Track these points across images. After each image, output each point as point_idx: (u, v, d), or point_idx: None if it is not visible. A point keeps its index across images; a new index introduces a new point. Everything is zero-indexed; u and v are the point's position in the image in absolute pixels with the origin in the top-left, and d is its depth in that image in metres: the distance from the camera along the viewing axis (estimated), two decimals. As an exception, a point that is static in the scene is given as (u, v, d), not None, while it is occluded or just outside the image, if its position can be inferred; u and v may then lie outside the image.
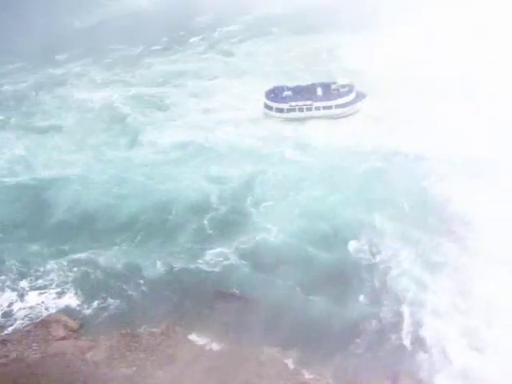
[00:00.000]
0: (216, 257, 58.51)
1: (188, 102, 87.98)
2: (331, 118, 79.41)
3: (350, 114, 79.76)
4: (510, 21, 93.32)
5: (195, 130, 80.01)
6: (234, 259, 58.08)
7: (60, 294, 55.01)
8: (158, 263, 57.83)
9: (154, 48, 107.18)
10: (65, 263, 58.19)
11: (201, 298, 54.12)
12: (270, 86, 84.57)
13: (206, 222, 63.05)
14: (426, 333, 48.76)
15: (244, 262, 57.69)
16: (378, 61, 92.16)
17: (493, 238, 56.14)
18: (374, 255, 56.55)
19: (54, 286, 55.93)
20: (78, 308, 53.65)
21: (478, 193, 62.27)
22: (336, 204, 63.99)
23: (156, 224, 63.25)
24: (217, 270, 57.11)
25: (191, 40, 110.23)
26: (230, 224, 62.68)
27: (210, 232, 61.86)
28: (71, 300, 54.42)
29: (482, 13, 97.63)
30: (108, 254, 59.18)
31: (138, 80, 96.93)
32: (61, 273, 57.16)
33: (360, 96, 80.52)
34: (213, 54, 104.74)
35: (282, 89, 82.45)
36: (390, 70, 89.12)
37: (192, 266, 57.52)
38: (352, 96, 79.53)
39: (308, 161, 71.96)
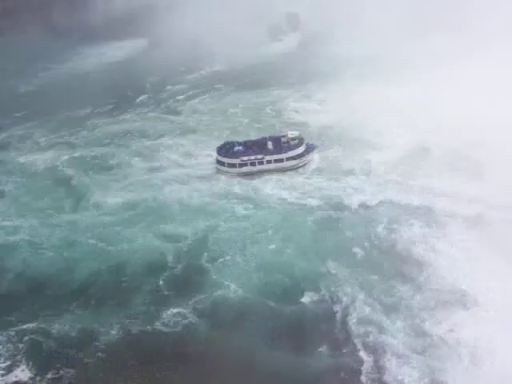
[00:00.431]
0: (174, 317, 58.92)
1: (133, 162, 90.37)
2: (283, 170, 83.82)
3: (302, 166, 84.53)
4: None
5: (142, 190, 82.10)
6: (192, 318, 58.67)
7: (9, 368, 53.31)
8: (115, 328, 57.52)
9: (100, 109, 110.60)
10: (13, 334, 56.77)
11: (161, 362, 54.05)
12: (215, 143, 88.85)
13: (161, 282, 63.76)
14: (387, 377, 50.99)
15: (203, 320, 58.34)
16: (321, 113, 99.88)
17: (444, 277, 60.43)
18: (333, 303, 59.03)
19: (1, 359, 54.26)
20: (30, 382, 52.10)
21: (427, 236, 67.43)
22: (292, 256, 66.71)
23: (110, 287, 63.34)
24: (176, 330, 57.42)
25: (138, 100, 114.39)
26: (186, 282, 63.69)
27: (167, 292, 62.46)
28: (22, 374, 52.82)
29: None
30: (61, 321, 58.35)
31: (83, 141, 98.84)
32: (9, 345, 55.63)
33: (310, 148, 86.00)
34: (159, 112, 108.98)
35: (233, 144, 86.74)
36: (333, 122, 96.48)
37: (150, 329, 57.56)
38: (302, 148, 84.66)
39: (260, 215, 74.98)
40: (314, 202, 75.88)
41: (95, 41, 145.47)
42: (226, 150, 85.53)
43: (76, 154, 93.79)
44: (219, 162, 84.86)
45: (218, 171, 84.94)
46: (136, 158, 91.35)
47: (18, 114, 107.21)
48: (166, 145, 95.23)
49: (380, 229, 69.55)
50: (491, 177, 76.44)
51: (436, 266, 62.06)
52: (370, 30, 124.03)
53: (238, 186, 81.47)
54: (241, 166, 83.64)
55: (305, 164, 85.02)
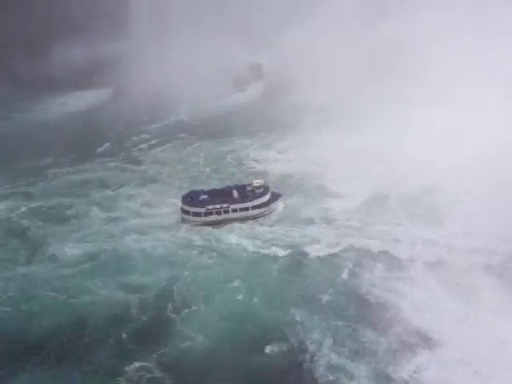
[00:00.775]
0: (137, 372, 58.42)
1: (92, 212, 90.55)
2: (249, 219, 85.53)
3: (267, 214, 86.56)
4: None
5: (102, 240, 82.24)
6: (157, 372, 58.34)
7: None
8: (75, 386, 56.49)
9: (61, 159, 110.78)
10: (-38, 398, 55.11)
11: (125, 419, 53.73)
12: (176, 192, 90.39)
13: (125, 334, 63.43)
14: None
15: (168, 374, 57.96)
16: (281, 162, 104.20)
17: (406, 320, 63.07)
18: (301, 351, 60.09)
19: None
20: None
21: (390, 279, 70.56)
22: (258, 305, 67.90)
23: (71, 341, 62.52)
24: (140, 386, 56.86)
25: (100, 149, 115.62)
26: (151, 335, 63.56)
27: (130, 345, 62.04)
28: None
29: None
30: (16, 381, 56.84)
31: (41, 192, 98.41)
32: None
33: (275, 196, 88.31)
34: (121, 162, 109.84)
35: (198, 193, 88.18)
36: (293, 170, 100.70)
37: (112, 385, 56.65)
38: (267, 196, 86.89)
39: (225, 264, 76.25)
40: (278, 251, 77.75)
41: (59, 90, 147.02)
42: (191, 198, 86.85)
43: (33, 205, 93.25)
44: (184, 211, 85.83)
45: (183, 220, 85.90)
46: (95, 208, 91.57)
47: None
48: (127, 194, 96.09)
49: (343, 274, 72.13)
50: (448, 222, 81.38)
51: (399, 309, 64.85)
52: (331, 79, 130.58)
53: (202, 236, 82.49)
54: (206, 214, 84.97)
55: (270, 212, 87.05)
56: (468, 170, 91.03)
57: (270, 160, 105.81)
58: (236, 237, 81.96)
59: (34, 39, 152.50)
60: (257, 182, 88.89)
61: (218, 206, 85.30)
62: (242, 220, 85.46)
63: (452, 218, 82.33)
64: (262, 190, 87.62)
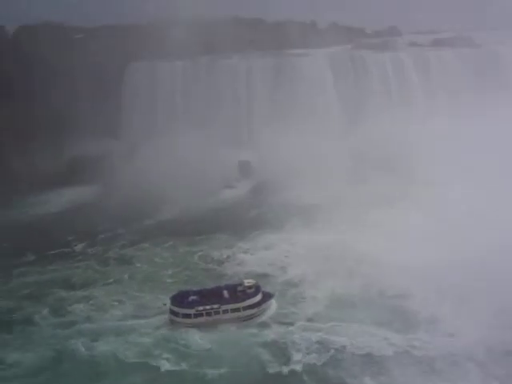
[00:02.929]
0: None
1: (41, 315, 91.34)
2: (240, 320, 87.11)
3: (259, 315, 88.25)
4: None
5: (56, 346, 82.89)
6: None
7: None
8: None
9: (31, 257, 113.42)
10: None
11: None
12: (135, 294, 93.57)
13: None
14: None
15: None
16: (246, 264, 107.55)
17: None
18: None
19: None
20: None
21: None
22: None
23: None
24: None
25: (77, 247, 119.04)
26: None
27: None
28: None
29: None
30: None
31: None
32: None
33: (267, 296, 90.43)
34: (89, 261, 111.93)
35: (187, 293, 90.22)
36: (256, 272, 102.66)
37: None
38: (259, 297, 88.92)
39: (205, 369, 77.40)
40: (259, 353, 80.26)
41: (45, 187, 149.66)
42: (180, 298, 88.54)
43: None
44: (173, 313, 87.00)
45: (172, 322, 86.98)
46: (45, 311, 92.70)
47: None
48: (87, 296, 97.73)
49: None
50: (415, 326, 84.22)
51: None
52: (317, 179, 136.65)
53: (176, 338, 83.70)
54: (196, 316, 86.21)
55: (262, 312, 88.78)
56: (444, 273, 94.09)
57: (235, 261, 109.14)
58: (214, 338, 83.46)
59: (19, 134, 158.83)
60: (248, 281, 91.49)
61: (208, 307, 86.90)
62: (234, 321, 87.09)
63: (420, 323, 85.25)
64: (253, 289, 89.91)
